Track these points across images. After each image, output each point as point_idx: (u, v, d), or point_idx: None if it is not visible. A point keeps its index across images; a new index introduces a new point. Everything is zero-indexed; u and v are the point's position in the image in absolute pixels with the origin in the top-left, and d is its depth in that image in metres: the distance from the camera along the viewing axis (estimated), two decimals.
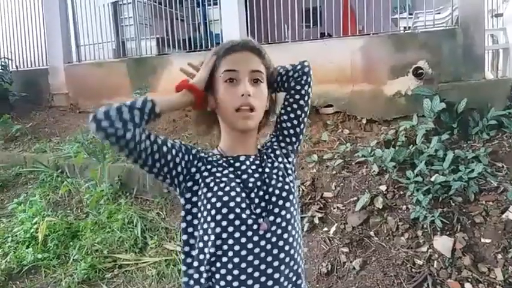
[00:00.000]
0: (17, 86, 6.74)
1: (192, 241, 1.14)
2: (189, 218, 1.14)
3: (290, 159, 1.29)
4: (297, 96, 1.26)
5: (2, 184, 4.68)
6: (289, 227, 1.14)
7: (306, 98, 1.27)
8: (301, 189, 3.47)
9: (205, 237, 1.10)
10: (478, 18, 4.04)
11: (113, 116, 0.99)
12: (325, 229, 3.15)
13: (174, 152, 1.13)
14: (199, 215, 1.12)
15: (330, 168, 3.64)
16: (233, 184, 1.12)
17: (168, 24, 6.04)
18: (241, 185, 1.14)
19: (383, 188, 3.28)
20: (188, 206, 1.14)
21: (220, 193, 1.10)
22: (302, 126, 1.29)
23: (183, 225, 1.15)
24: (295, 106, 1.27)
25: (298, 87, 1.26)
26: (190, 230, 1.14)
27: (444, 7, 4.74)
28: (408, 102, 4.14)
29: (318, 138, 4.16)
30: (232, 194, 1.10)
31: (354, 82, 4.45)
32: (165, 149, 1.10)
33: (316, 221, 3.20)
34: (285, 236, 1.12)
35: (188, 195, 1.14)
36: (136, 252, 3.38)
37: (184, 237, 1.15)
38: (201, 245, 1.11)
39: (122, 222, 3.58)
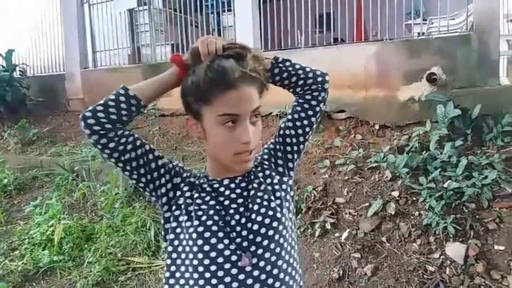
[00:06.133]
0: (34, 91, 6.94)
1: (173, 268, 1.05)
2: (171, 236, 1.06)
3: (286, 179, 1.14)
4: (310, 112, 1.13)
5: (19, 187, 4.77)
6: (279, 261, 1.00)
7: (318, 116, 1.15)
8: (312, 194, 3.47)
9: (187, 262, 1.01)
10: (493, 23, 4.01)
11: (92, 115, 1.04)
12: (337, 234, 3.15)
13: (162, 171, 1.07)
14: (179, 242, 1.04)
15: (342, 174, 3.64)
16: (211, 212, 1.01)
17: (183, 30, 6.11)
18: (221, 212, 1.02)
19: (395, 194, 3.27)
20: (173, 224, 1.06)
21: (196, 222, 1.00)
22: (307, 143, 1.17)
23: (169, 248, 1.06)
24: (305, 122, 1.13)
25: (313, 103, 1.13)
26: (170, 249, 1.06)
27: (459, 13, 4.72)
28: (421, 108, 4.12)
29: (330, 144, 4.16)
30: (209, 223, 0.99)
31: (367, 87, 4.44)
32: (153, 164, 1.05)
33: (328, 226, 3.20)
34: (268, 268, 0.98)
35: (168, 215, 1.07)
36: (149, 255, 3.42)
37: (168, 261, 1.06)
38: (182, 269, 1.02)
39: (135, 226, 3.62)
